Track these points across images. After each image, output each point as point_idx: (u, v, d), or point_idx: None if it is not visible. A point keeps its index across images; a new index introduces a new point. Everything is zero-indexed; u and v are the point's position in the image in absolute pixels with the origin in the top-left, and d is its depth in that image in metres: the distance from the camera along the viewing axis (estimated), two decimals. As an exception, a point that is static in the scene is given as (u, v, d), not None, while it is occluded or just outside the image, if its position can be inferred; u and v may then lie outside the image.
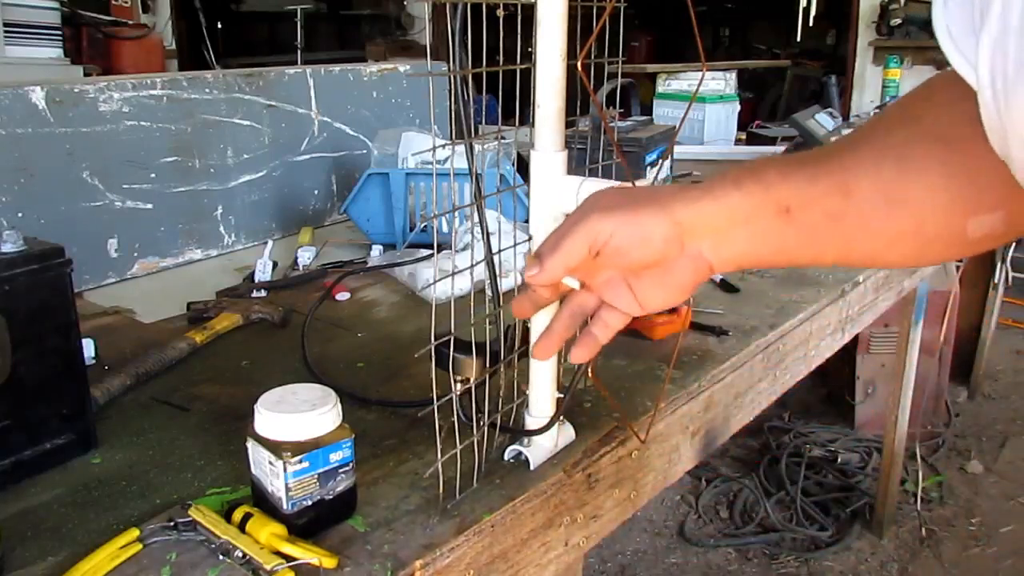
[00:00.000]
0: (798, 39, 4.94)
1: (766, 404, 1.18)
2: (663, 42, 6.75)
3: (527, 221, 0.73)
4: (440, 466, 0.70)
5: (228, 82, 1.56)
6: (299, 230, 1.65)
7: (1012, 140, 0.42)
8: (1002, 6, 0.40)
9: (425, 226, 1.51)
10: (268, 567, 0.62)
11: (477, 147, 0.87)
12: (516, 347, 0.77)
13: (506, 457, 0.80)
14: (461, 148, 0.69)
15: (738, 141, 2.73)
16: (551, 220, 0.70)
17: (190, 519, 0.68)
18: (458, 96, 0.68)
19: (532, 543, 0.76)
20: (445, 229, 1.43)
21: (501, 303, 0.76)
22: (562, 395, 0.79)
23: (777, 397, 1.21)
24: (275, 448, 0.67)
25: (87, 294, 1.34)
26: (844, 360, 2.75)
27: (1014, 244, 3.09)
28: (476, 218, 0.75)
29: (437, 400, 0.68)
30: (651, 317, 1.11)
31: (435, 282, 0.69)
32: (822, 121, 2.40)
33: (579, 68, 0.61)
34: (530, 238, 0.73)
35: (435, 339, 0.68)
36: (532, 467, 0.78)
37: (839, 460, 2.65)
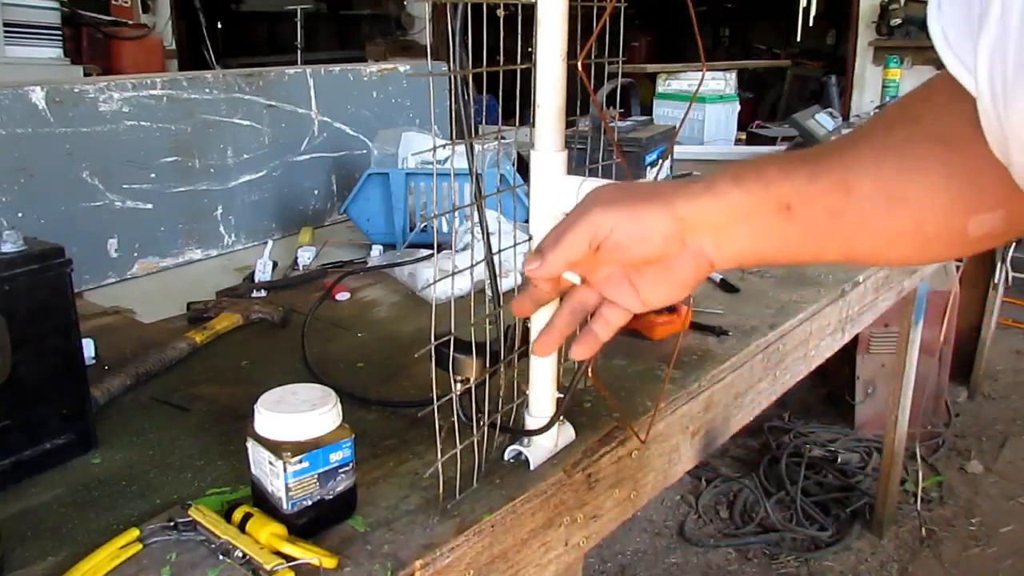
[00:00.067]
0: (798, 39, 4.94)
1: (766, 404, 1.18)
2: (663, 42, 6.75)
3: (527, 221, 0.73)
4: (440, 466, 0.70)
5: (228, 82, 1.56)
6: (299, 230, 1.65)
7: (1012, 144, 0.42)
8: (1001, 9, 0.40)
9: (425, 226, 1.51)
10: (268, 567, 0.62)
11: (477, 147, 0.87)
12: (516, 347, 0.77)
13: (506, 457, 0.80)
14: (461, 148, 0.69)
15: (738, 141, 2.73)
16: (551, 220, 0.70)
17: (190, 519, 0.68)
18: (458, 96, 0.68)
19: (532, 543, 0.76)
20: (445, 229, 1.43)
21: (501, 303, 0.76)
22: (562, 395, 0.79)
23: (777, 397, 1.21)
24: (275, 448, 0.67)
25: (87, 294, 1.34)
26: (844, 360, 2.75)
27: (1014, 244, 3.09)
28: (476, 218, 0.75)
29: (437, 400, 0.68)
30: (651, 317, 1.11)
31: (435, 282, 0.69)
32: (822, 121, 2.40)
33: (579, 68, 0.61)
34: (530, 238, 0.73)
35: (435, 339, 0.68)
36: (532, 467, 0.78)
37: (839, 460, 2.65)
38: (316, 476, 0.68)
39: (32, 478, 0.78)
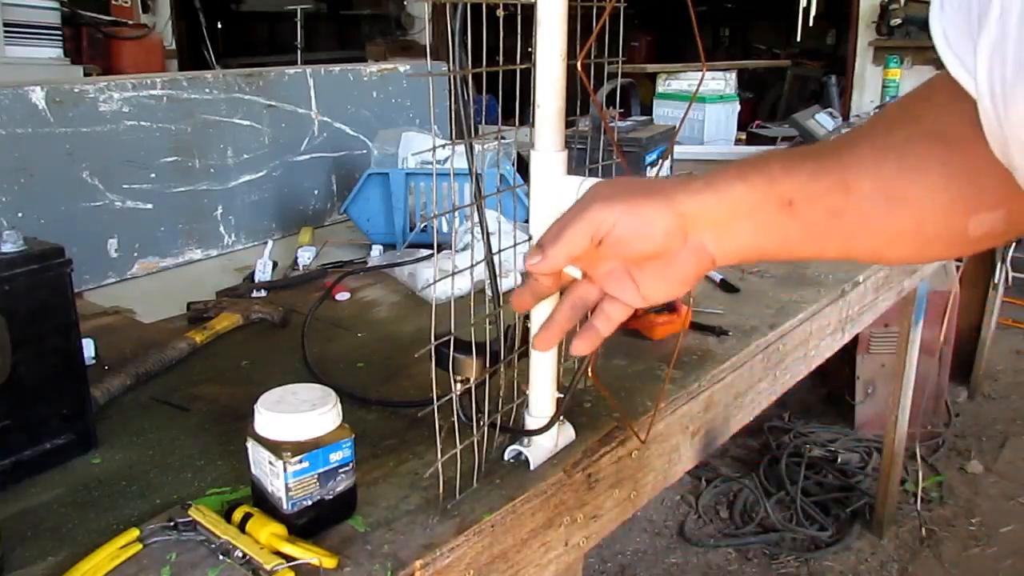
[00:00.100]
0: (798, 39, 4.94)
1: (766, 404, 1.18)
2: (663, 42, 6.75)
3: (527, 221, 0.73)
4: (440, 466, 0.70)
5: (228, 82, 1.56)
6: (299, 230, 1.65)
7: (1013, 146, 0.42)
8: (1000, 11, 0.40)
9: (425, 226, 1.51)
10: (268, 567, 0.62)
11: (477, 147, 0.87)
12: (516, 347, 0.77)
13: (506, 457, 0.80)
14: (461, 148, 0.69)
15: (738, 141, 2.73)
16: (551, 220, 0.70)
17: (190, 519, 0.68)
18: (458, 96, 0.68)
19: (532, 543, 0.76)
20: (445, 229, 1.43)
21: (501, 303, 0.76)
22: (562, 395, 0.79)
23: (777, 397, 1.21)
24: (275, 448, 0.67)
25: (87, 294, 1.34)
26: (844, 360, 2.75)
27: (1014, 244, 3.10)
28: (476, 218, 0.75)
29: (437, 400, 0.68)
30: (651, 317, 1.11)
31: (435, 282, 0.69)
32: (822, 121, 2.40)
33: (579, 68, 0.61)
34: (530, 238, 0.73)
35: (435, 339, 0.68)
36: (532, 467, 0.78)
37: (839, 460, 2.65)
38: (316, 476, 0.68)
39: (32, 478, 0.78)
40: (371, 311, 1.27)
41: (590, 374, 0.81)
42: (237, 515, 0.68)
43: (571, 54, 0.66)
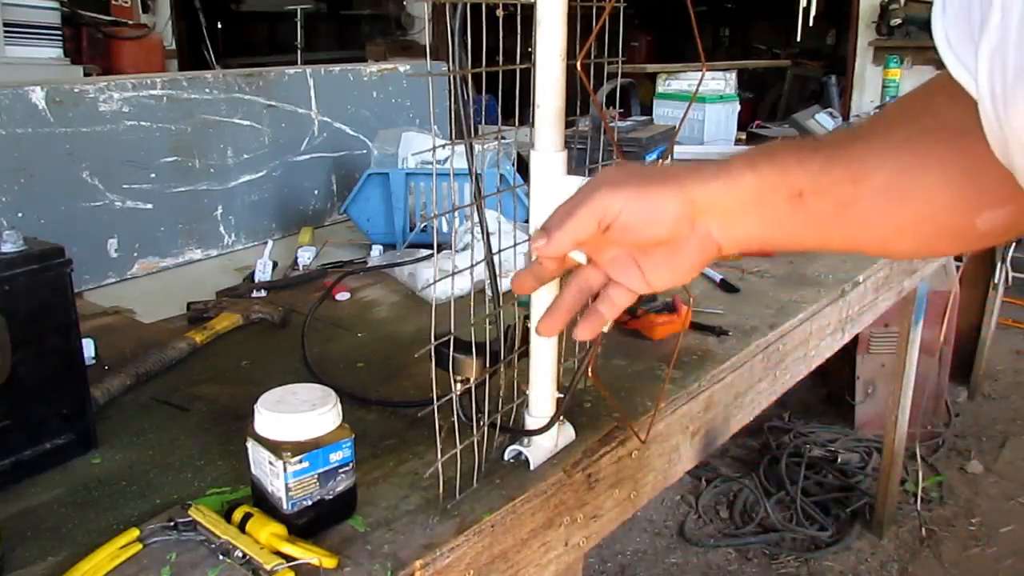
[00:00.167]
0: (798, 39, 4.94)
1: (766, 404, 1.18)
2: (663, 42, 6.74)
3: (527, 221, 0.73)
4: (440, 466, 0.70)
5: (228, 82, 1.56)
6: (299, 230, 1.65)
7: (1013, 147, 0.43)
8: (1002, 15, 0.40)
9: (425, 226, 1.51)
10: (268, 567, 0.62)
11: (477, 147, 0.87)
12: (516, 347, 0.77)
13: (506, 457, 0.80)
14: (461, 148, 0.69)
15: (738, 141, 2.72)
16: (550, 214, 0.70)
17: (190, 519, 0.68)
18: (458, 96, 0.68)
19: (532, 543, 0.76)
20: (445, 229, 1.43)
21: (501, 303, 0.76)
22: (562, 395, 0.79)
23: (777, 397, 1.21)
24: (275, 448, 0.67)
25: (87, 294, 1.34)
26: (844, 360, 2.75)
27: (1014, 244, 3.10)
28: (476, 218, 0.75)
29: (437, 400, 0.68)
30: (651, 317, 1.11)
31: (435, 282, 0.69)
32: (822, 121, 2.40)
33: (579, 68, 0.61)
34: (530, 238, 0.73)
35: (435, 339, 0.68)
36: (532, 467, 0.78)
37: (839, 460, 2.65)
38: (316, 476, 0.68)
39: (32, 478, 0.78)
40: (371, 311, 1.27)
41: (590, 374, 0.81)
42: (237, 515, 0.68)
43: (571, 54, 0.66)
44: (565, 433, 0.82)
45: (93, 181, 1.35)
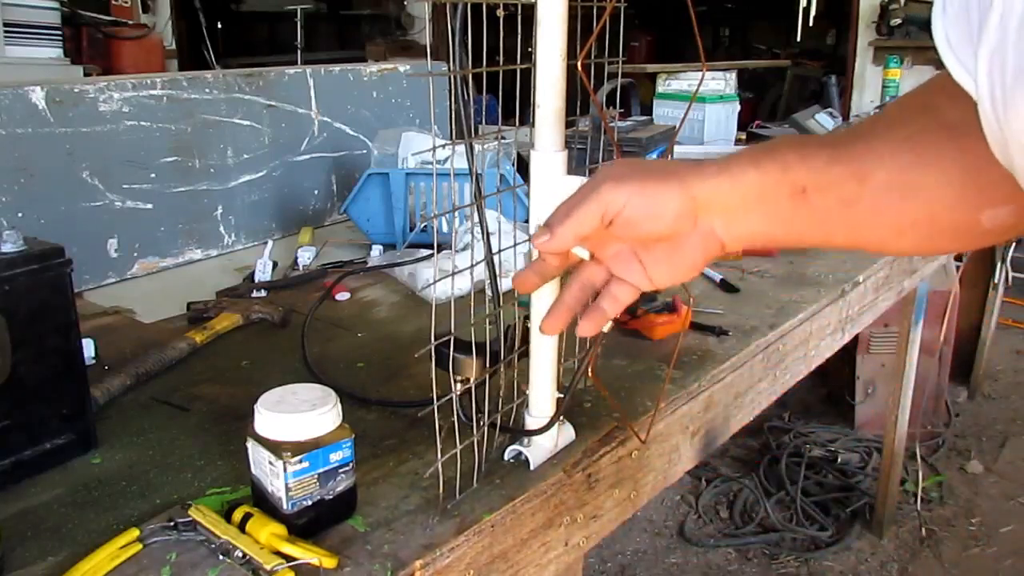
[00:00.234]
0: (798, 39, 4.94)
1: (766, 404, 1.18)
2: (663, 42, 6.75)
3: (527, 221, 0.73)
4: (440, 466, 0.70)
5: (228, 82, 1.56)
6: (299, 230, 1.65)
7: (1013, 148, 0.43)
8: (1000, 16, 0.40)
9: (425, 226, 1.51)
10: (268, 567, 0.62)
11: (477, 147, 0.87)
12: (516, 347, 0.77)
13: (506, 457, 0.80)
14: (461, 148, 0.69)
15: (738, 141, 2.72)
16: (553, 210, 0.70)
17: (190, 519, 0.68)
18: (458, 96, 0.68)
19: (532, 543, 0.76)
20: (445, 229, 1.43)
21: (501, 303, 0.76)
22: (562, 395, 0.79)
23: (777, 397, 1.21)
24: (275, 448, 0.67)
25: (87, 294, 1.34)
26: (844, 360, 2.75)
27: (1014, 244, 3.10)
28: (476, 218, 0.75)
29: (437, 400, 0.68)
30: (651, 317, 1.11)
31: (435, 282, 0.69)
32: (822, 121, 2.40)
33: (579, 68, 0.61)
34: (530, 238, 0.73)
35: (435, 339, 0.68)
36: (532, 467, 0.78)
37: (839, 460, 2.65)
38: (316, 476, 0.68)
39: (32, 478, 0.78)
40: (371, 311, 1.27)
41: (590, 374, 0.81)
42: (237, 515, 0.68)
43: (571, 54, 0.66)
44: (565, 433, 0.82)
45: (93, 181, 1.35)
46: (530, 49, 0.67)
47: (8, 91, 1.24)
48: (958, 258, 2.83)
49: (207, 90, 1.52)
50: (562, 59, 0.67)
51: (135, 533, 0.67)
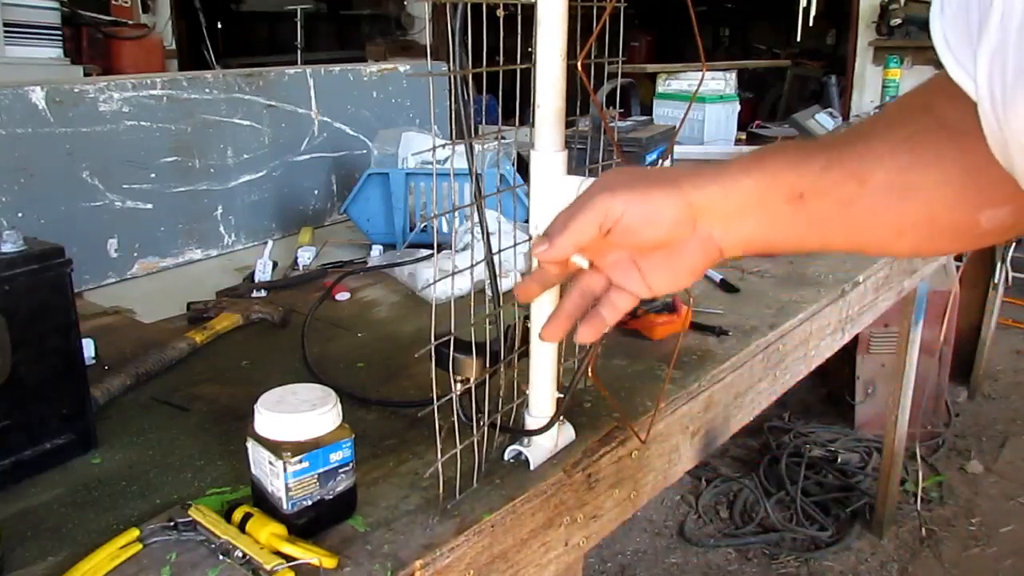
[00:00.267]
0: (798, 39, 4.94)
1: (766, 404, 1.18)
2: (663, 42, 6.74)
3: (527, 221, 0.73)
4: (440, 466, 0.70)
5: (228, 82, 1.56)
6: (299, 230, 1.65)
7: (1013, 149, 0.43)
8: (1001, 16, 0.40)
9: (425, 226, 1.51)
10: (268, 567, 0.63)
11: (477, 147, 0.87)
12: (516, 347, 0.77)
13: (506, 457, 0.80)
14: (461, 148, 0.69)
15: (738, 141, 2.72)
16: (551, 220, 0.70)
17: (190, 519, 0.68)
18: (458, 96, 0.68)
19: (532, 543, 0.76)
20: (445, 229, 1.43)
21: (501, 303, 0.76)
22: (562, 395, 0.79)
23: (777, 397, 1.21)
24: (275, 448, 0.67)
25: (87, 294, 1.34)
26: (844, 360, 2.75)
27: (1014, 244, 3.10)
28: (476, 218, 0.75)
29: (437, 400, 0.68)
30: (651, 317, 1.11)
31: (435, 282, 0.69)
32: (822, 121, 2.40)
33: (579, 68, 0.61)
34: (530, 238, 0.73)
35: (435, 339, 0.68)
36: (532, 467, 0.78)
37: (839, 460, 2.65)
38: (316, 476, 0.68)
39: (32, 478, 0.78)
40: (371, 311, 1.27)
41: (590, 374, 0.81)
42: (237, 515, 0.68)
43: (571, 54, 0.66)
44: (565, 433, 0.82)
45: (93, 181, 1.35)
46: (530, 49, 0.67)
47: (8, 91, 1.24)
48: (958, 258, 2.83)
49: (207, 90, 1.52)
50: (562, 59, 0.67)
51: (135, 533, 0.67)
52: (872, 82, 4.12)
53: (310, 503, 0.68)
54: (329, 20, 7.15)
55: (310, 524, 0.68)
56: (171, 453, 0.84)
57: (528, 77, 0.68)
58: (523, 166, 1.29)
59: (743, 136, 2.76)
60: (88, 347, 1.02)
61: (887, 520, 2.34)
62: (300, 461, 0.66)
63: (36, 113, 1.27)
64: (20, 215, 1.25)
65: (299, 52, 5.43)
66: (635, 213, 0.58)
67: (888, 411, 2.27)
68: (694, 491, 2.57)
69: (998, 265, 3.09)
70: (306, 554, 0.64)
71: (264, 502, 0.69)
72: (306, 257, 1.48)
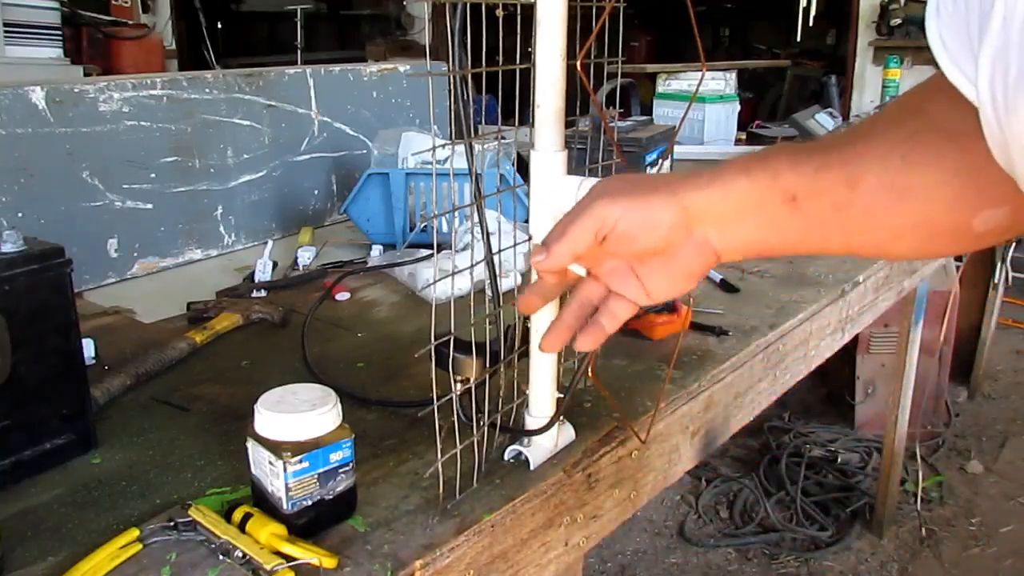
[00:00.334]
0: (798, 39, 4.94)
1: (766, 404, 1.18)
2: (663, 42, 6.74)
3: (527, 221, 0.73)
4: (440, 466, 0.70)
5: (228, 82, 1.56)
6: (299, 230, 1.65)
7: (1015, 151, 0.42)
8: (1003, 19, 0.40)
9: (425, 226, 1.51)
10: (268, 567, 0.63)
11: (477, 147, 0.87)
12: (516, 347, 0.77)
13: (506, 457, 0.80)
14: (461, 148, 0.69)
15: (738, 141, 2.73)
16: (551, 220, 0.70)
17: (190, 519, 0.68)
18: (458, 96, 0.68)
19: (532, 543, 0.76)
20: (445, 229, 1.43)
21: (501, 303, 0.76)
22: (562, 395, 0.79)
23: (777, 397, 1.21)
24: (275, 448, 0.67)
25: (87, 294, 1.34)
26: (844, 360, 2.75)
27: (1014, 244, 3.10)
28: (476, 218, 0.75)
29: (437, 400, 0.68)
30: (651, 317, 1.11)
31: (435, 282, 0.69)
32: (822, 121, 2.40)
33: (579, 68, 0.61)
34: (530, 238, 0.73)
35: (435, 339, 0.68)
36: (532, 467, 0.78)
37: (839, 460, 2.65)
38: (316, 476, 0.68)
39: (32, 478, 0.78)
40: (371, 311, 1.27)
41: (590, 374, 0.81)
42: (237, 515, 0.68)
43: (571, 54, 0.66)
44: (565, 433, 0.82)
45: (93, 181, 1.35)
46: (530, 49, 0.67)
47: (8, 91, 1.24)
48: (958, 258, 2.83)
49: (207, 90, 1.52)
50: (562, 59, 0.67)
51: (135, 533, 0.67)
52: (872, 82, 4.12)
53: (310, 503, 0.68)
54: (329, 20, 7.15)
55: (310, 524, 0.68)
56: (171, 453, 0.84)
57: (528, 77, 0.68)
58: (523, 166, 1.29)
59: (743, 136, 2.76)
60: (88, 347, 1.02)
61: (887, 520, 2.34)
62: (300, 461, 0.66)
63: (36, 113, 1.27)
64: (20, 215, 1.25)
65: (299, 52, 5.43)
66: (631, 219, 0.58)
67: (888, 411, 2.27)
68: (694, 491, 2.57)
69: (998, 265, 3.09)
70: (306, 554, 0.64)
71: (264, 502, 0.69)
72: (306, 257, 1.48)
